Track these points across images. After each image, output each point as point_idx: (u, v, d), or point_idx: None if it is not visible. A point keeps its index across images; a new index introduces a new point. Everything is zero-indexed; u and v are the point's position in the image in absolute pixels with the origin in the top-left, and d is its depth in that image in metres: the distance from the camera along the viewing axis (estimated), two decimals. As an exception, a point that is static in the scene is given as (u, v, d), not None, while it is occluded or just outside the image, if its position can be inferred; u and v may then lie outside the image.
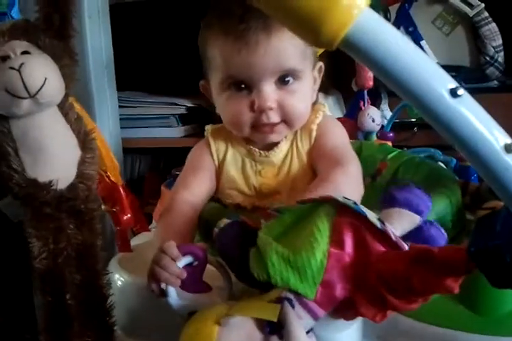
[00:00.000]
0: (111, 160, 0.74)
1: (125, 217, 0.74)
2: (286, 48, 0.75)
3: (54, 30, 0.64)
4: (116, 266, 0.77)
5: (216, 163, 0.84)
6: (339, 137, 0.84)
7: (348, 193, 0.61)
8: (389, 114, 1.53)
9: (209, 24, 0.80)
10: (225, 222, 0.61)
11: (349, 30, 0.41)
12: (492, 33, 1.60)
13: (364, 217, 0.54)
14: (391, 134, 1.25)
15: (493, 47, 1.60)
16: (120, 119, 1.59)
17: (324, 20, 0.41)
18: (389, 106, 1.62)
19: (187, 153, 0.88)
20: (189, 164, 0.86)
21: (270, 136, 0.80)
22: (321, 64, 0.84)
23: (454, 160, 1.14)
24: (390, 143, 1.18)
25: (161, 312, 0.65)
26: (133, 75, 1.71)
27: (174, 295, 0.61)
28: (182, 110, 1.63)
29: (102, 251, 0.69)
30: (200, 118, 1.64)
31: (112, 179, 0.73)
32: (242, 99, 0.78)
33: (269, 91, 0.76)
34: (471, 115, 0.43)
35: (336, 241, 0.54)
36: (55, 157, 0.63)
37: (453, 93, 0.43)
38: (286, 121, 0.79)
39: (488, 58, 1.61)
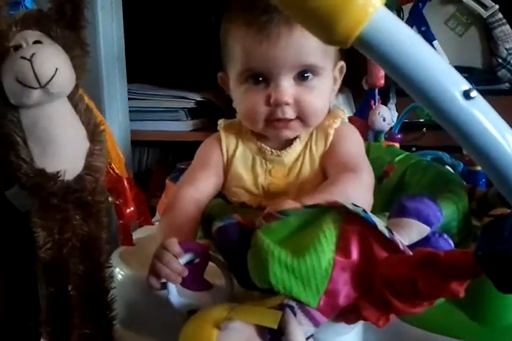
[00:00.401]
0: (116, 153, 0.74)
1: (128, 211, 0.74)
2: (308, 43, 0.74)
3: (66, 21, 0.64)
4: (117, 260, 0.77)
5: (225, 158, 0.83)
6: (355, 144, 0.83)
7: (357, 199, 0.60)
8: (395, 113, 1.53)
9: (232, 16, 0.79)
10: (218, 224, 0.59)
11: (364, 28, 0.41)
12: (505, 35, 1.59)
13: (373, 226, 0.53)
14: (399, 136, 1.24)
15: (506, 49, 1.60)
16: (129, 112, 1.59)
17: (339, 17, 0.41)
18: (396, 106, 1.62)
19: (195, 147, 0.88)
20: (198, 158, 0.85)
21: (284, 132, 0.79)
22: (342, 63, 0.83)
23: (462, 165, 1.13)
24: (397, 145, 1.18)
25: (160, 306, 0.65)
26: (143, 68, 1.71)
27: (175, 293, 0.61)
28: (191, 104, 1.63)
29: (107, 244, 0.69)
30: (209, 113, 1.64)
31: (117, 172, 0.73)
32: (259, 92, 0.77)
33: (287, 86, 0.75)
34: (484, 118, 0.43)
35: (342, 249, 0.53)
36: (63, 148, 0.63)
37: (466, 95, 0.42)
38: (302, 118, 0.77)
39: (500, 60, 1.60)
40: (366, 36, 0.42)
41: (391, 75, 0.44)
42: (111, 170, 0.72)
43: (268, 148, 0.81)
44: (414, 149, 1.47)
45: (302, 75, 0.76)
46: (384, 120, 1.25)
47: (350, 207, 0.54)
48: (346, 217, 0.54)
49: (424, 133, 1.50)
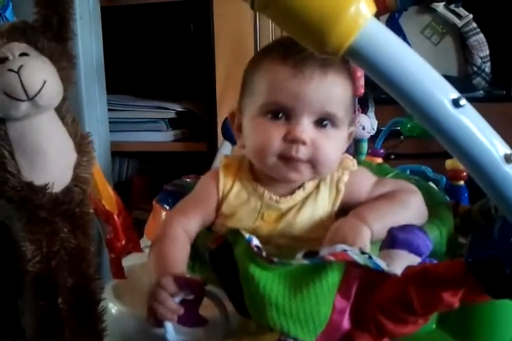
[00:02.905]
0: (106, 189, 0.73)
1: (119, 245, 0.73)
2: (336, 92, 0.74)
3: (52, 32, 0.64)
4: (111, 295, 0.76)
5: (220, 196, 0.81)
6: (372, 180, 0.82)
7: (424, 213, 0.75)
8: (375, 121, 1.54)
9: (269, 49, 0.79)
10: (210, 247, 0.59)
11: (355, 38, 0.42)
12: (480, 44, 1.62)
13: (380, 271, 0.53)
14: (382, 151, 1.25)
15: (481, 57, 1.62)
16: (109, 123, 1.59)
17: (331, 28, 0.42)
18: (375, 114, 1.64)
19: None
20: (195, 192, 0.83)
21: (292, 174, 0.76)
22: (353, 129, 0.82)
23: (444, 179, 1.14)
24: (380, 160, 1.20)
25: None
26: (123, 78, 1.70)
27: (171, 331, 0.61)
28: (172, 114, 1.63)
29: (95, 257, 0.69)
30: (190, 123, 1.64)
31: (108, 209, 0.72)
32: (277, 127, 0.74)
33: (307, 125, 0.74)
34: (473, 125, 0.44)
35: (343, 292, 0.53)
36: (51, 160, 0.63)
37: (455, 103, 0.44)
38: (313, 163, 0.74)
39: (475, 68, 1.63)
40: (357, 46, 0.43)
41: (381, 85, 0.45)
42: (101, 207, 0.71)
43: (266, 191, 0.79)
44: (392, 156, 1.50)
45: (321, 122, 0.75)
46: (363, 129, 1.26)
47: (360, 261, 0.52)
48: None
49: (402, 141, 1.52)
